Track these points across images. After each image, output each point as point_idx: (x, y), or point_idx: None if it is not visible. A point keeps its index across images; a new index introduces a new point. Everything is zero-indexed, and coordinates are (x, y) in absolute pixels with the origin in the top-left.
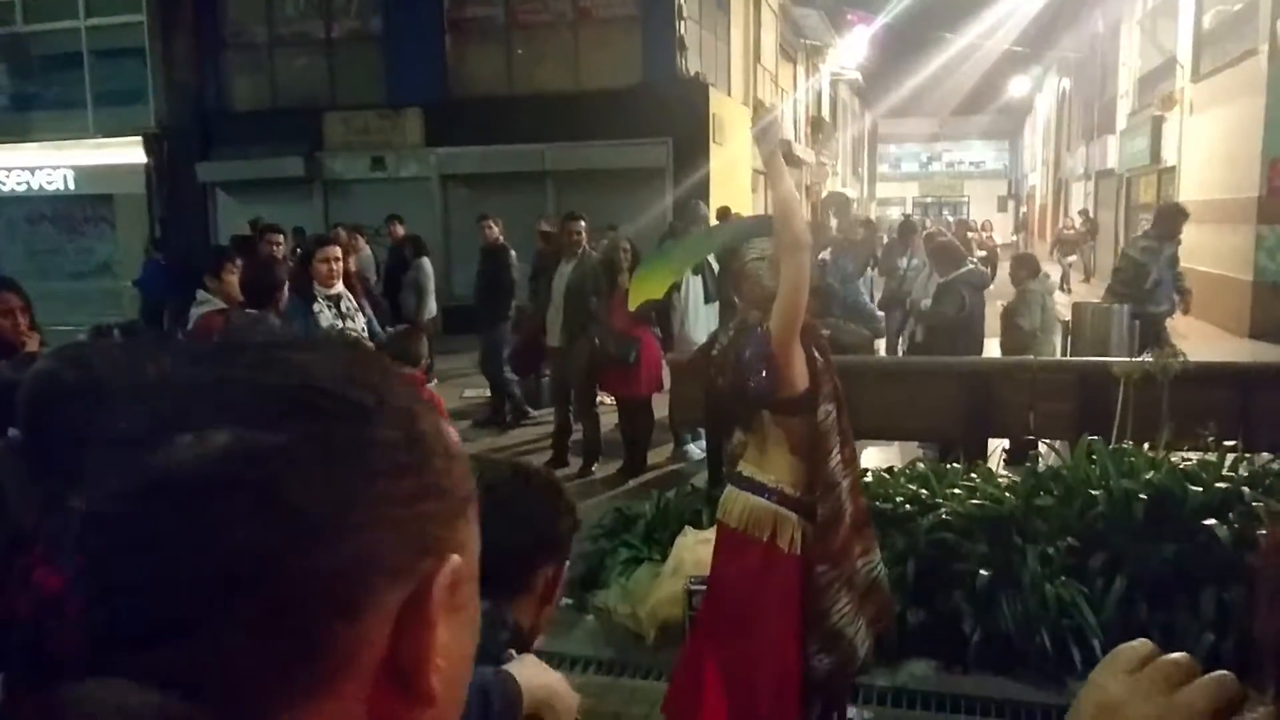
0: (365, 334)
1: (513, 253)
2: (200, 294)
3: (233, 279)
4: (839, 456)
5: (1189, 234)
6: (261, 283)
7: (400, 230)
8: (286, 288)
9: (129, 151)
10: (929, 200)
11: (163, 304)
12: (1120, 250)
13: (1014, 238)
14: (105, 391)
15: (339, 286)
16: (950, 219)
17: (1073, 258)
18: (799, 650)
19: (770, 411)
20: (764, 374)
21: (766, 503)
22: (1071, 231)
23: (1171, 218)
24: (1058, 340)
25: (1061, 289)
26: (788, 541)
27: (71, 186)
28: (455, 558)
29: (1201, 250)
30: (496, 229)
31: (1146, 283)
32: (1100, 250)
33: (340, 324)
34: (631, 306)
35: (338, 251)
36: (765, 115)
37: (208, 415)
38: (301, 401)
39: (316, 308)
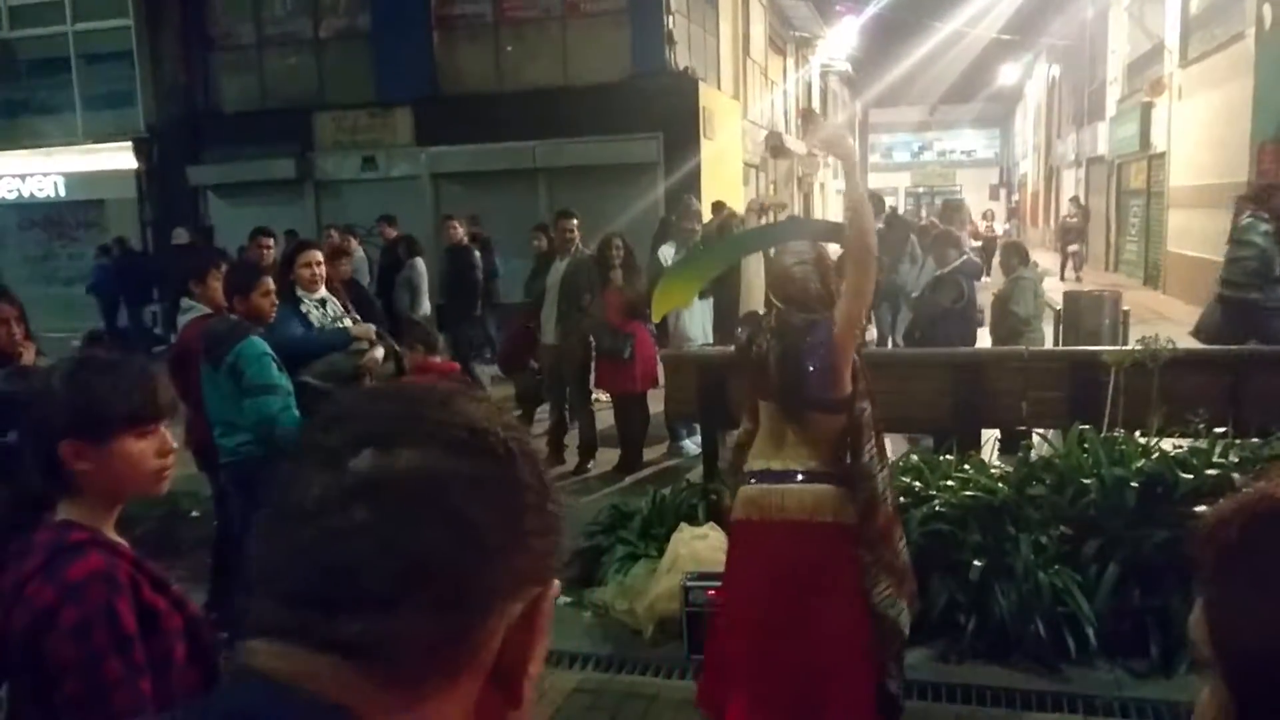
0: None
1: (477, 252)
2: (184, 301)
3: (218, 285)
4: (874, 449)
5: (1178, 219)
6: (238, 285)
7: (392, 231)
8: (271, 291)
9: (119, 156)
10: (921, 190)
11: (117, 304)
12: (1233, 236)
13: (1007, 225)
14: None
15: (323, 290)
16: (937, 204)
17: (1075, 246)
18: (869, 624)
19: (819, 409)
20: (826, 374)
21: (829, 486)
22: (1075, 219)
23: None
24: (1049, 328)
25: (1063, 278)
26: (849, 516)
27: (62, 192)
28: (556, 583)
29: (1191, 235)
30: (461, 229)
31: (1277, 270)
32: (1092, 237)
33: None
34: (656, 317)
35: (319, 255)
36: (818, 124)
37: (396, 439)
38: (472, 440)
39: (304, 308)
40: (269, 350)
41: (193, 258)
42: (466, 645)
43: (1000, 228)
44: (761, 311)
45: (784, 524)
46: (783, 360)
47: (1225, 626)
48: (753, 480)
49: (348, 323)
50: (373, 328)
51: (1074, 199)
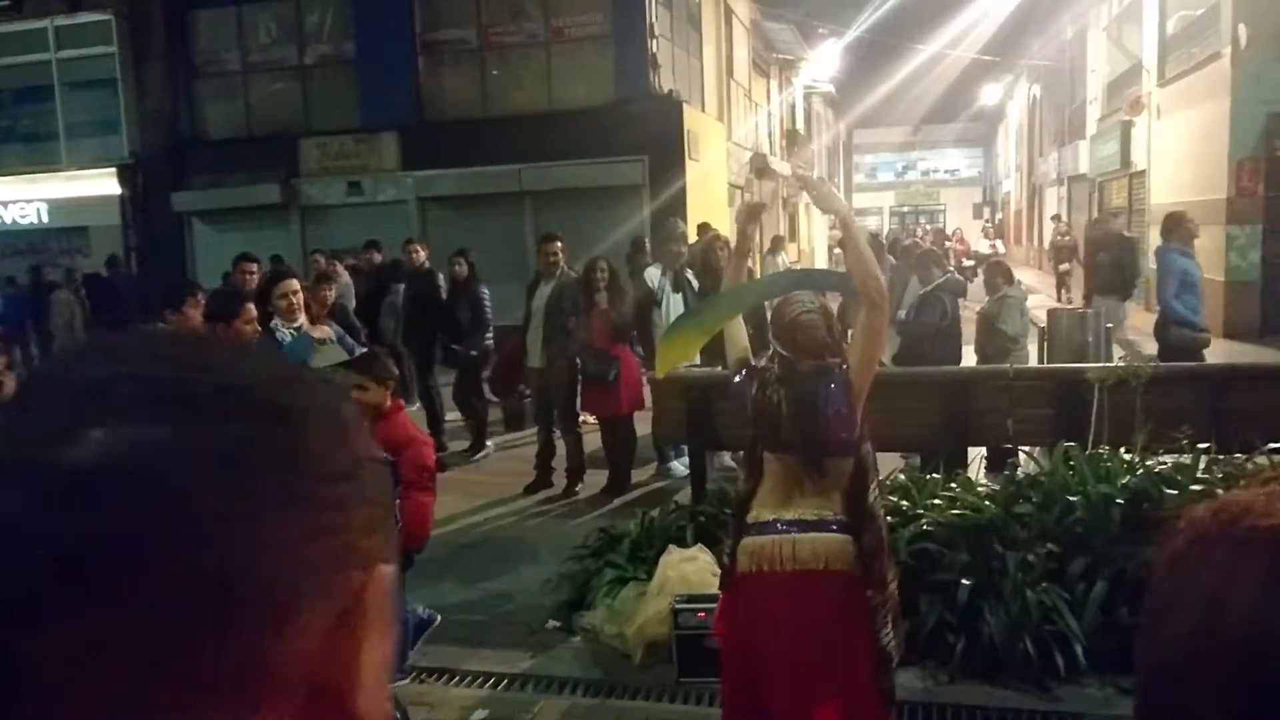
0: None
1: (440, 275)
2: (160, 328)
3: (195, 313)
4: (876, 489)
5: (1159, 236)
6: (219, 313)
7: (378, 257)
8: (252, 319)
9: (103, 183)
10: (906, 209)
11: (23, 327)
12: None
13: (992, 245)
14: (26, 391)
15: (301, 319)
16: (927, 227)
17: (1067, 265)
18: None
19: (837, 454)
20: (843, 419)
21: (839, 535)
22: (1068, 238)
23: None
24: (1033, 347)
25: (1059, 299)
26: (856, 565)
27: (45, 219)
28: (386, 568)
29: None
30: (423, 253)
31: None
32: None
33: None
34: (660, 373)
35: (295, 285)
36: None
37: (113, 412)
38: (217, 401)
39: (280, 336)
40: None
41: (173, 286)
42: (256, 675)
43: (986, 246)
44: (753, 361)
45: (795, 574)
46: (798, 409)
47: (1143, 636)
48: (757, 532)
49: (334, 349)
50: (339, 352)
51: (1055, 216)
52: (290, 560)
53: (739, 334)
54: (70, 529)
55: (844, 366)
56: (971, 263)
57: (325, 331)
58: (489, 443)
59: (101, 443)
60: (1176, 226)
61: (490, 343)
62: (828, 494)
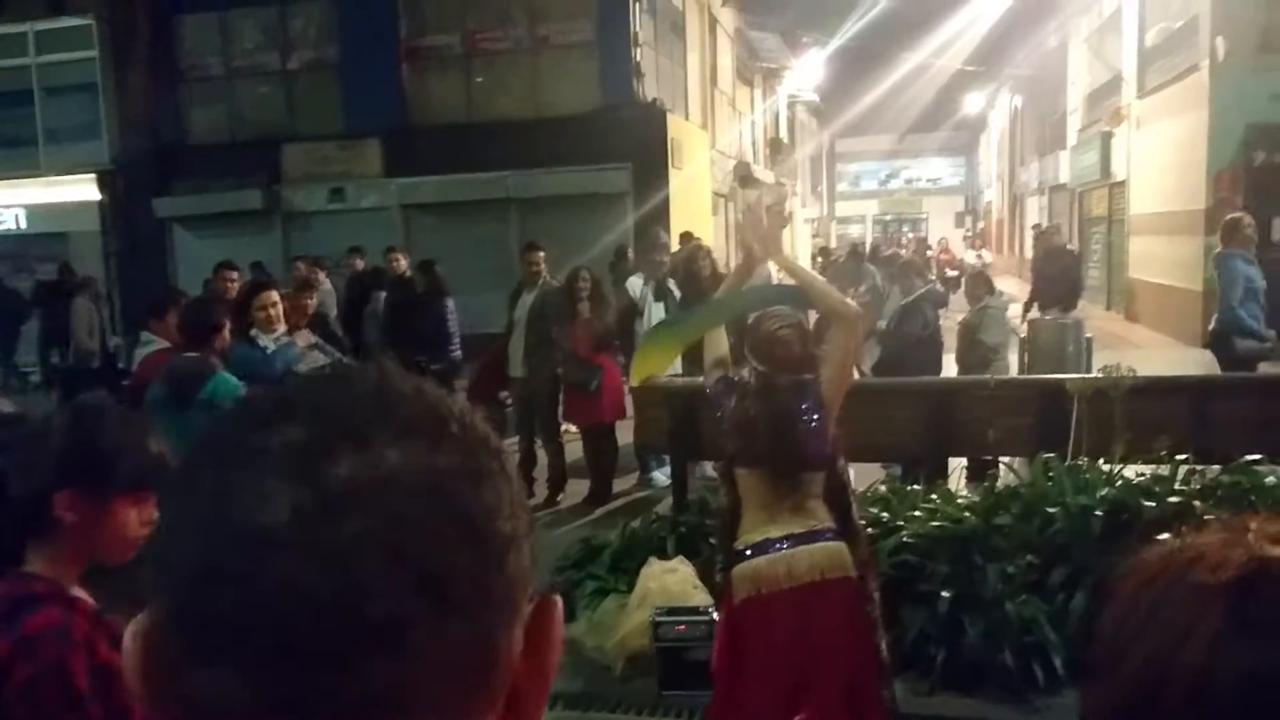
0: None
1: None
2: (144, 334)
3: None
4: (855, 503)
5: (1139, 245)
6: (198, 323)
7: (360, 263)
8: (227, 328)
9: (83, 188)
10: (889, 217)
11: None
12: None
13: (978, 255)
14: (241, 417)
15: (281, 328)
16: (909, 236)
17: None
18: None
19: (811, 468)
20: (818, 433)
21: (833, 542)
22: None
23: None
24: (1014, 356)
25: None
26: (854, 569)
27: (24, 225)
28: (558, 599)
29: (1152, 262)
30: (404, 261)
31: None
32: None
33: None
34: (634, 382)
35: (275, 296)
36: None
37: (371, 435)
38: (451, 430)
39: (262, 343)
40: (240, 384)
41: (156, 293)
42: (494, 675)
43: (972, 256)
44: (732, 374)
45: (795, 590)
46: (773, 423)
47: (1093, 678)
48: (750, 554)
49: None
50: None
51: (1036, 226)
52: (510, 571)
53: (719, 338)
54: (419, 548)
55: (818, 382)
56: (955, 273)
57: (306, 337)
58: None
59: (397, 460)
60: (1235, 230)
61: (457, 354)
62: (810, 505)
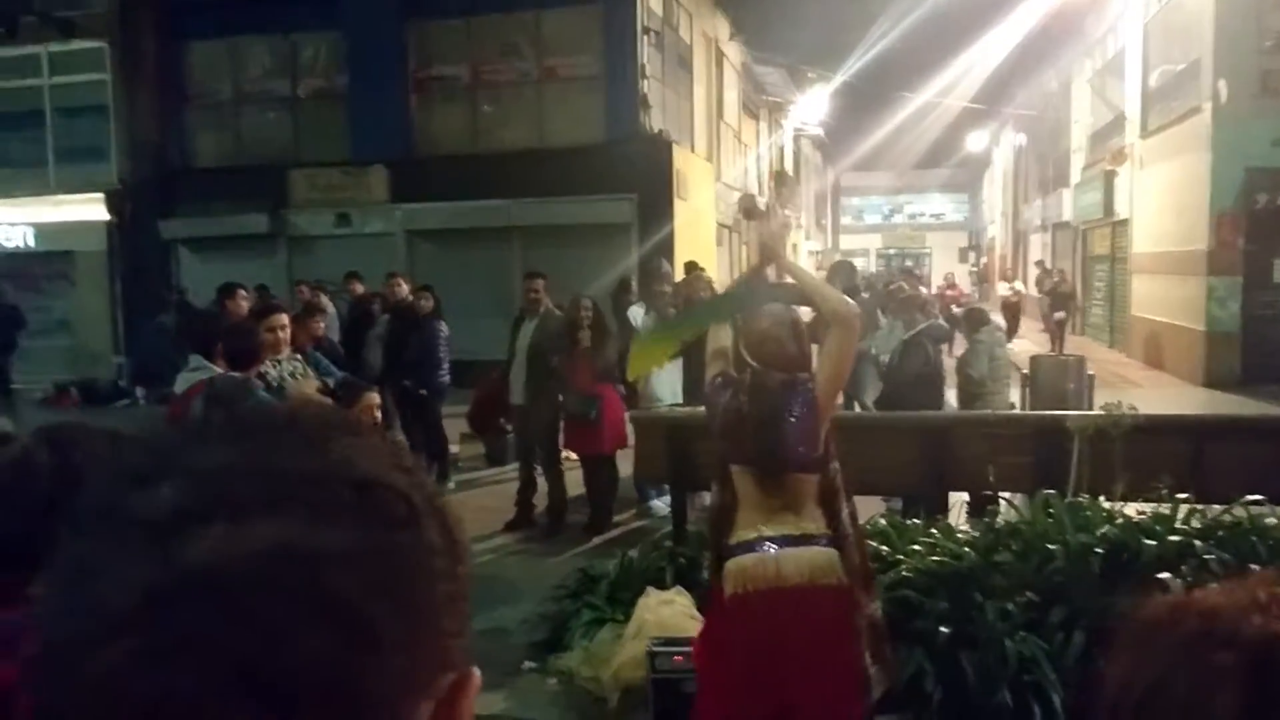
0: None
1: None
2: (194, 359)
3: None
4: (847, 510)
5: (1141, 284)
6: (241, 346)
7: (359, 287)
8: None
9: (90, 209)
10: (892, 252)
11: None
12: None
13: (1012, 287)
14: (115, 473)
15: (287, 351)
16: (907, 264)
17: (1061, 313)
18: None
19: (797, 469)
20: (806, 433)
21: (824, 548)
22: (1067, 285)
23: None
24: (1012, 390)
25: (1055, 349)
26: (845, 577)
27: (31, 244)
28: (477, 672)
29: (1154, 301)
30: (406, 286)
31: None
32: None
33: (289, 382)
34: (630, 376)
35: (285, 320)
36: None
37: (247, 504)
38: (359, 500)
39: (263, 368)
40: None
41: (210, 322)
42: None
43: (1006, 289)
44: (732, 371)
45: (782, 591)
46: (762, 420)
47: None
48: (741, 552)
49: (299, 383)
50: (313, 384)
51: (1040, 262)
52: (415, 660)
53: (722, 331)
54: (278, 647)
55: (811, 382)
56: (960, 309)
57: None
58: (449, 482)
59: (269, 536)
60: None
61: (445, 379)
62: (802, 509)
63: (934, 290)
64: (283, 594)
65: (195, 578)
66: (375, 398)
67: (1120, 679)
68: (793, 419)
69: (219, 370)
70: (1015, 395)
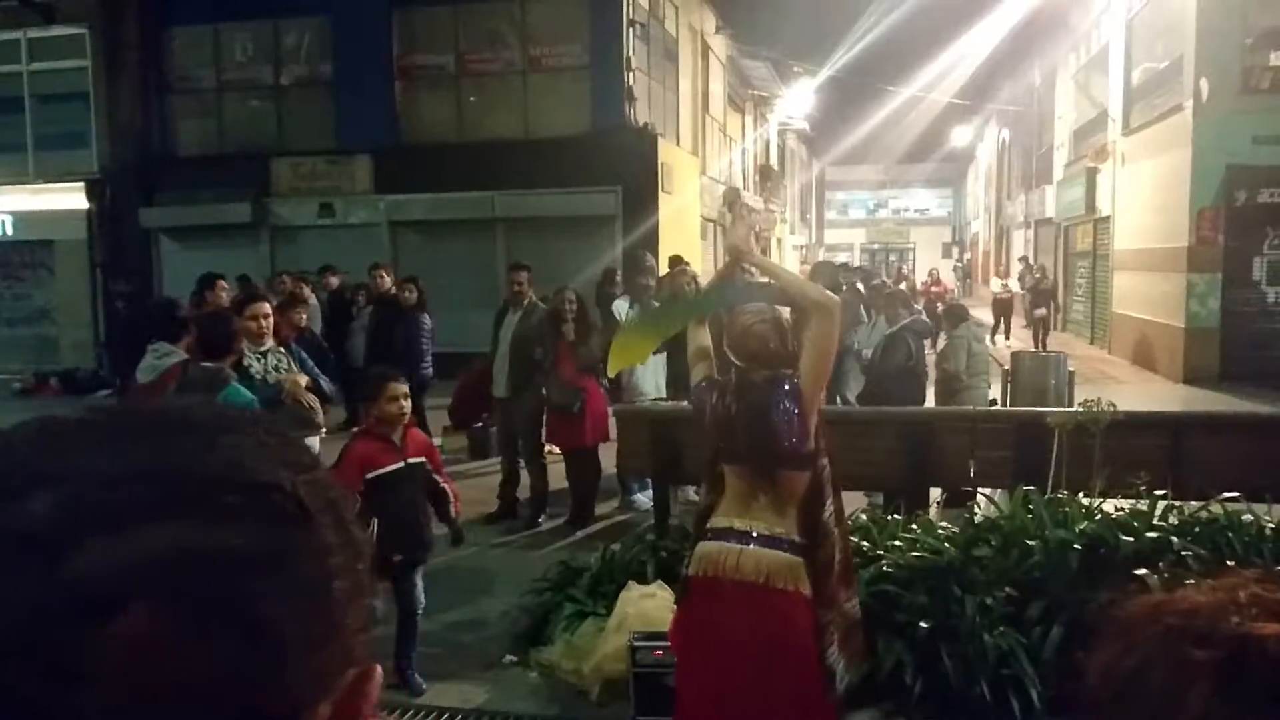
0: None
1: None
2: (163, 345)
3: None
4: (832, 507)
5: (1123, 280)
6: (216, 335)
7: (335, 280)
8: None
9: (70, 197)
10: (876, 246)
11: None
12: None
13: (1004, 284)
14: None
15: (270, 342)
16: (894, 263)
17: (1043, 310)
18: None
19: (788, 466)
20: (794, 429)
21: (787, 554)
22: (1048, 282)
23: None
24: (989, 384)
25: (1039, 346)
26: (806, 585)
27: (10, 232)
28: (378, 667)
29: (1136, 297)
30: (389, 278)
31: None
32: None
33: (273, 376)
34: (611, 372)
35: (267, 309)
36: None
37: (130, 511)
38: (251, 502)
39: (246, 361)
40: (251, 395)
41: (169, 309)
42: None
43: (999, 285)
44: (715, 374)
45: (737, 585)
46: (749, 417)
47: None
48: (710, 537)
49: (291, 375)
50: (303, 379)
51: (1023, 258)
52: (317, 661)
53: (702, 332)
54: (172, 662)
55: (796, 376)
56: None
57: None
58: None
59: (140, 550)
60: None
61: (428, 370)
62: (784, 510)
63: (920, 286)
64: (176, 603)
65: (81, 592)
66: (403, 387)
67: (1101, 669)
68: (780, 414)
69: (184, 355)
70: (996, 391)
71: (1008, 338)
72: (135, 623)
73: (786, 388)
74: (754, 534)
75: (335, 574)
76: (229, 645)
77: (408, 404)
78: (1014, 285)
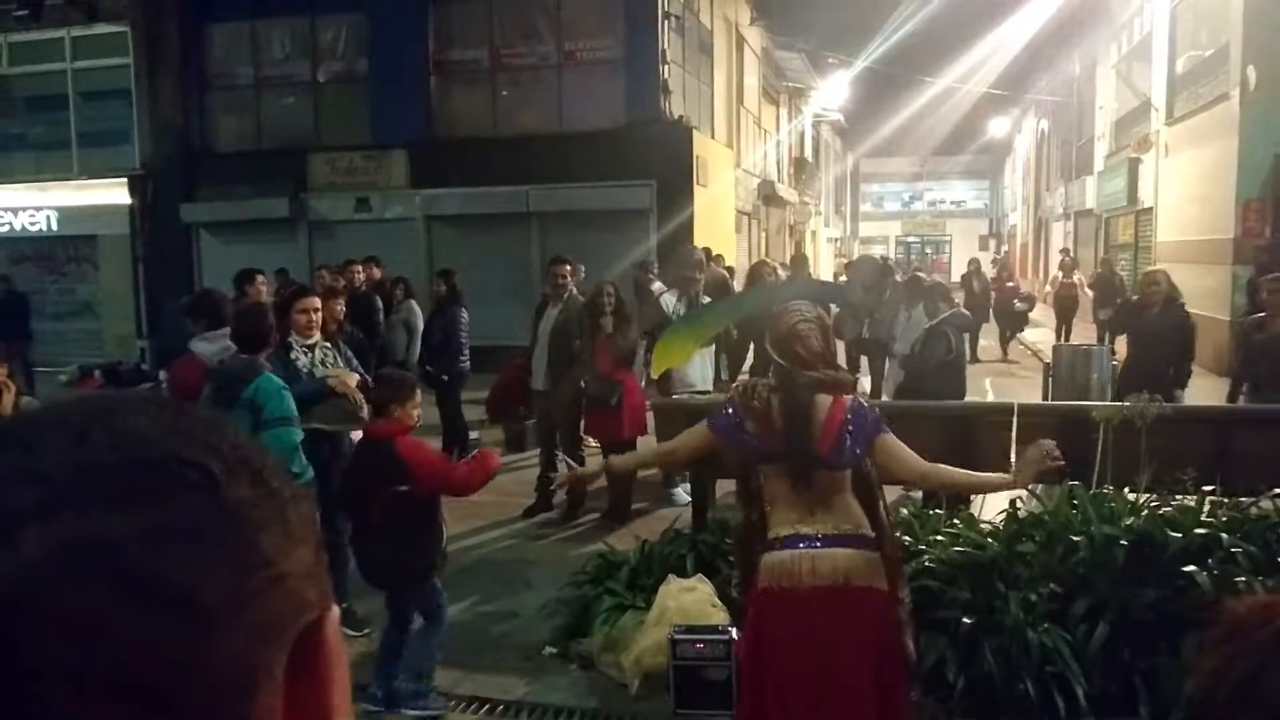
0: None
1: (378, 297)
2: (213, 333)
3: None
4: (883, 501)
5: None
6: (252, 328)
7: (377, 272)
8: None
9: (113, 192)
10: (912, 239)
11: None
12: None
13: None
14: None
15: (316, 336)
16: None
17: (1109, 311)
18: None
19: (827, 466)
20: (847, 457)
21: (860, 551)
22: (1117, 276)
23: None
24: (1038, 382)
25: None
26: (883, 580)
27: (55, 227)
28: (335, 609)
29: (1180, 290)
30: (363, 272)
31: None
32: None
33: (320, 370)
34: (655, 374)
35: (317, 303)
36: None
37: (18, 510)
38: (160, 477)
39: (294, 354)
40: (283, 386)
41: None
42: None
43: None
44: (737, 398)
45: (815, 590)
46: (791, 418)
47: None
48: (779, 547)
49: (336, 369)
50: (354, 376)
51: (1064, 250)
52: (257, 617)
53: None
54: (74, 653)
55: (872, 409)
56: (1025, 305)
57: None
58: None
59: (39, 546)
60: None
61: (465, 365)
62: (846, 507)
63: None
64: (90, 592)
65: (17, 577)
66: (419, 397)
67: (1213, 673)
68: (839, 431)
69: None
70: (1037, 387)
71: (1068, 336)
72: (50, 623)
73: (867, 415)
74: (825, 535)
75: (259, 527)
76: (154, 624)
77: (416, 416)
78: (1080, 278)
